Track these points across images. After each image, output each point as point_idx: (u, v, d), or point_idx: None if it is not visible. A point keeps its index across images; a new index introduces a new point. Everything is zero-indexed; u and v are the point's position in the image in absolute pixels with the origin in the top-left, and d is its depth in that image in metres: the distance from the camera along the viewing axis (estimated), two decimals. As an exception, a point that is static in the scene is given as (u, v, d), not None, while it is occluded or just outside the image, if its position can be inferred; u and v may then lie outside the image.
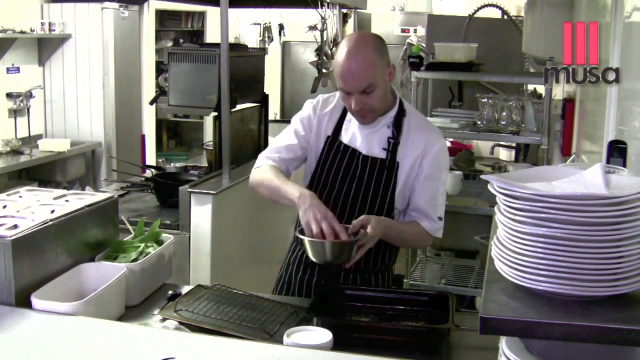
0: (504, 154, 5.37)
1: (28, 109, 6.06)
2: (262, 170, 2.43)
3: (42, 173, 5.89)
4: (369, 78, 2.22)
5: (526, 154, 4.88)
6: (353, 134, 2.42)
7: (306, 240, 2.14)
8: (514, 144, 5.04)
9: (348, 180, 2.39)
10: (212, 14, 8.93)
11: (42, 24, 6.01)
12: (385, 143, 2.38)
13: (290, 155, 2.47)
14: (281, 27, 7.23)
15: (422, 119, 2.51)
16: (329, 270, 2.44)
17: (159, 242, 2.48)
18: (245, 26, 8.96)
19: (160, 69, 7.02)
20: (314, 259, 2.19)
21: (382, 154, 2.37)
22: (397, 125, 2.38)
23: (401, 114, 2.40)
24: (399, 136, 2.37)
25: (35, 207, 2.27)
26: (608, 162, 1.97)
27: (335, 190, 2.41)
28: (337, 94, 2.44)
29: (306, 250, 2.18)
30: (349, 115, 2.42)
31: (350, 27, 7.01)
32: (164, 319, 2.15)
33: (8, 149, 5.60)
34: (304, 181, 2.50)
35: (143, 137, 7.08)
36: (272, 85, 4.49)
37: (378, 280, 2.50)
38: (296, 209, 2.23)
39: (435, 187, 2.40)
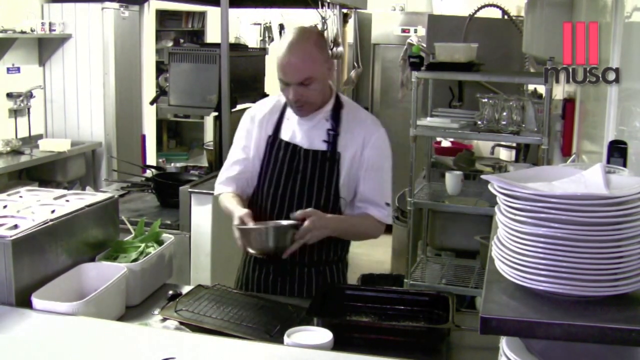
0: (504, 154, 5.37)
1: (28, 109, 6.06)
2: (220, 199, 2.54)
3: (43, 173, 5.89)
4: (307, 71, 2.30)
5: (526, 154, 4.88)
6: (293, 130, 2.48)
7: (248, 230, 2.22)
8: (514, 144, 5.03)
9: (292, 176, 2.45)
10: (213, 14, 8.93)
11: (43, 24, 6.01)
12: (325, 136, 2.43)
13: (236, 169, 2.54)
14: (281, 27, 7.23)
15: (360, 110, 2.57)
16: (283, 268, 2.47)
17: (160, 242, 2.49)
18: (245, 26, 8.96)
19: (160, 69, 7.03)
20: (254, 251, 2.26)
21: (323, 147, 2.43)
22: (336, 117, 2.44)
23: (338, 106, 2.47)
24: (338, 127, 2.43)
25: (35, 207, 2.27)
26: (608, 162, 1.97)
27: (281, 187, 2.46)
28: (274, 97, 2.57)
29: (244, 244, 2.25)
30: (287, 113, 2.49)
31: (350, 27, 7.02)
32: (164, 319, 2.15)
33: (8, 149, 5.60)
34: (250, 187, 2.56)
35: (143, 137, 7.08)
36: (272, 85, 4.49)
37: (333, 272, 2.53)
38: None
39: (380, 175, 2.46)
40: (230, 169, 2.56)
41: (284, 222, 2.27)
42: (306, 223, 2.22)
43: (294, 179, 2.44)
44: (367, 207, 2.45)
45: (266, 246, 2.22)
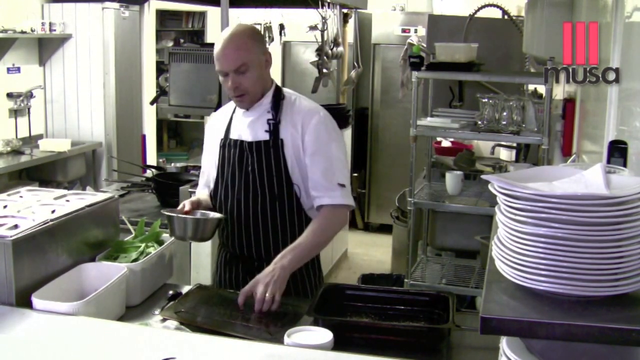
0: (504, 154, 5.36)
1: (29, 109, 6.06)
2: None
3: (43, 173, 5.89)
4: (241, 58, 2.38)
5: (527, 154, 4.88)
6: (240, 128, 2.55)
7: (171, 217, 2.38)
8: (514, 144, 5.03)
9: (244, 171, 2.50)
10: (213, 14, 8.93)
11: (43, 24, 6.01)
12: (266, 126, 2.49)
13: (205, 177, 2.69)
14: (282, 27, 7.22)
15: (301, 98, 2.60)
16: (253, 267, 2.51)
17: (160, 242, 2.49)
18: (245, 26, 8.95)
19: (160, 69, 7.02)
20: (174, 234, 2.42)
21: (266, 136, 2.48)
22: (276, 107, 2.50)
23: (278, 97, 2.52)
24: (278, 116, 2.49)
25: (35, 207, 2.27)
26: (608, 162, 1.97)
27: (236, 184, 2.52)
28: (226, 105, 2.69)
29: (171, 230, 2.41)
30: (235, 115, 2.58)
31: (350, 27, 7.02)
32: (164, 319, 2.15)
33: (9, 149, 5.60)
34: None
35: (143, 137, 7.08)
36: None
37: (308, 265, 2.53)
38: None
39: (327, 158, 2.47)
40: (201, 176, 2.73)
41: (210, 215, 2.47)
42: (256, 305, 2.19)
43: (246, 172, 2.50)
44: (320, 196, 2.45)
45: (184, 235, 2.39)
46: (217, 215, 2.47)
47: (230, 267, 2.62)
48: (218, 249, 2.73)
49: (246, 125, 2.53)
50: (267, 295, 2.18)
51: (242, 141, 2.52)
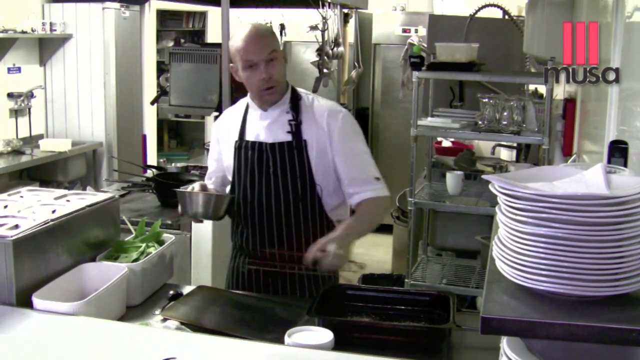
0: (505, 154, 5.36)
1: (29, 109, 6.06)
2: None
3: (43, 173, 5.89)
4: (272, 44, 2.41)
5: (527, 154, 4.88)
6: (257, 129, 2.51)
7: (182, 193, 2.41)
8: (515, 144, 5.03)
9: (265, 173, 2.47)
10: (213, 14, 8.93)
11: (43, 24, 6.01)
12: (287, 127, 2.47)
13: (212, 179, 2.71)
14: (282, 27, 7.22)
15: (319, 98, 2.60)
16: (273, 267, 2.51)
17: (160, 242, 2.49)
18: (246, 26, 8.96)
19: (161, 69, 7.02)
20: (185, 212, 2.44)
21: (287, 138, 2.46)
22: (295, 108, 2.49)
23: (296, 97, 2.52)
24: (299, 116, 2.47)
25: (36, 207, 2.27)
26: (609, 162, 1.97)
27: (256, 186, 2.49)
28: (236, 104, 2.64)
29: (182, 207, 2.45)
30: (249, 115, 2.54)
31: (351, 27, 7.02)
32: (165, 319, 2.15)
33: (9, 149, 5.60)
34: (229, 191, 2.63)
35: (144, 137, 7.08)
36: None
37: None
38: None
39: (358, 153, 2.51)
40: (207, 179, 2.72)
41: (219, 193, 2.50)
42: (327, 258, 2.23)
43: (267, 174, 2.47)
44: (361, 191, 2.47)
45: (196, 211, 2.40)
46: (227, 193, 2.47)
47: (249, 271, 2.57)
48: (232, 252, 2.70)
49: (264, 126, 2.49)
50: (341, 251, 2.23)
51: (260, 142, 2.48)
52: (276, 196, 2.46)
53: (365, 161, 2.51)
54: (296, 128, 2.45)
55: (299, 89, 2.58)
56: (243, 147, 2.52)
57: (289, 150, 2.45)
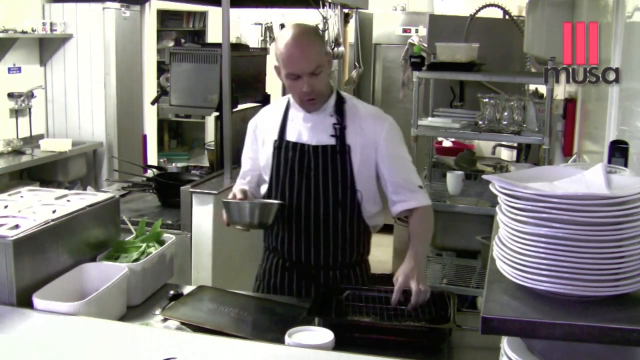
0: (505, 154, 5.36)
1: (29, 109, 6.06)
2: None
3: (44, 173, 5.89)
4: (317, 59, 2.30)
5: (527, 154, 4.88)
6: (299, 130, 2.46)
7: (229, 203, 2.34)
8: (515, 144, 5.03)
9: (305, 175, 2.43)
10: (214, 14, 8.92)
11: (44, 24, 6.01)
12: (331, 130, 2.42)
13: (247, 179, 2.62)
14: (282, 27, 7.22)
15: (363, 103, 2.57)
16: (307, 272, 2.49)
17: (161, 242, 2.49)
18: (246, 26, 8.95)
19: (161, 69, 7.02)
20: (234, 222, 2.35)
21: (331, 141, 2.42)
22: (339, 111, 2.44)
23: (340, 101, 2.46)
24: (344, 120, 2.43)
25: (36, 207, 2.27)
26: (609, 162, 1.97)
27: (295, 187, 2.45)
28: (275, 102, 2.59)
29: (229, 217, 2.35)
30: (291, 115, 2.49)
31: (351, 27, 7.02)
32: (165, 319, 2.15)
33: (9, 149, 5.60)
34: (264, 192, 2.57)
35: (144, 137, 7.08)
36: (273, 85, 4.50)
37: (357, 273, 2.54)
38: None
39: (403, 162, 2.47)
40: (242, 178, 2.64)
41: (268, 201, 2.41)
42: (413, 286, 2.21)
43: (307, 177, 2.42)
44: (404, 200, 2.44)
45: (245, 220, 2.31)
46: (276, 201, 2.40)
47: (282, 274, 2.53)
48: (264, 254, 2.65)
49: (307, 128, 2.44)
50: (421, 287, 2.19)
51: (302, 144, 2.43)
52: (315, 199, 2.42)
53: (409, 169, 2.48)
54: (340, 132, 2.41)
55: (342, 92, 2.54)
56: (283, 147, 2.46)
57: (332, 154, 2.40)
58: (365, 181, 2.43)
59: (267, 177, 2.53)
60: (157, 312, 2.23)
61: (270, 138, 2.51)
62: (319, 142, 2.42)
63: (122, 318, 2.18)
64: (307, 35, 2.33)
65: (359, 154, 2.41)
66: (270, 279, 2.56)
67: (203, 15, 9.43)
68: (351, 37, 7.06)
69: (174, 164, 4.76)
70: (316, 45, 2.33)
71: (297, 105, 2.45)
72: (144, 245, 2.42)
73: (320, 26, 5.72)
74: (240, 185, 2.59)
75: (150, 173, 4.34)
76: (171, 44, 9.21)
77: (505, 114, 3.74)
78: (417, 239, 2.41)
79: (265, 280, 2.58)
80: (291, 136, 2.47)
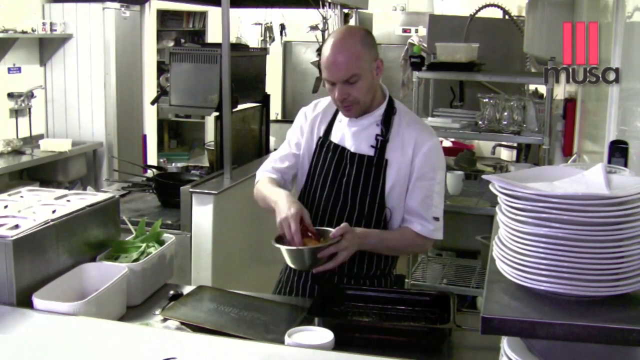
0: (505, 154, 5.37)
1: (29, 109, 6.07)
2: (259, 184, 2.48)
3: (44, 173, 5.89)
4: (352, 69, 2.23)
5: (527, 154, 4.88)
6: (343, 133, 2.42)
7: (283, 249, 2.17)
8: (515, 144, 5.04)
9: (338, 179, 2.39)
10: (214, 14, 8.93)
11: (44, 24, 6.01)
12: (373, 141, 2.36)
13: (285, 163, 2.49)
14: (282, 27, 7.24)
15: (414, 117, 2.49)
16: (326, 276, 2.40)
17: (161, 242, 2.49)
18: (246, 26, 8.96)
19: (161, 69, 7.03)
20: (292, 266, 2.23)
21: (370, 152, 2.36)
22: (386, 123, 2.37)
23: (390, 112, 2.39)
24: (388, 134, 2.36)
25: (36, 207, 2.27)
26: (609, 162, 1.98)
27: (326, 189, 2.41)
28: (328, 98, 2.46)
29: (285, 258, 2.21)
30: (340, 115, 2.43)
31: (351, 27, 7.02)
32: (165, 319, 2.15)
33: (9, 149, 5.61)
34: (297, 185, 2.51)
35: (144, 137, 7.09)
36: (273, 85, 4.50)
37: (380, 284, 2.48)
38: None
39: (430, 187, 2.35)
40: (279, 160, 2.50)
41: (323, 245, 2.17)
42: (343, 242, 2.16)
43: (340, 182, 2.38)
44: (411, 221, 2.36)
45: (302, 264, 2.20)
46: (331, 240, 2.18)
47: (300, 274, 2.48)
48: None
49: (351, 132, 2.39)
50: (343, 256, 2.16)
51: (343, 148, 2.38)
52: (342, 207, 2.37)
53: (432, 199, 2.35)
54: (381, 145, 2.34)
55: (397, 102, 2.44)
56: (325, 146, 2.42)
57: (367, 165, 2.34)
58: (397, 200, 2.36)
59: (302, 173, 2.47)
60: (157, 312, 2.22)
61: (317, 132, 2.46)
62: (358, 149, 2.37)
63: (122, 318, 2.18)
64: (346, 42, 2.26)
65: (395, 170, 2.34)
66: (290, 281, 2.52)
67: (203, 15, 9.44)
68: (351, 37, 7.06)
69: (173, 164, 4.75)
70: (354, 54, 2.24)
71: None
72: (144, 245, 2.42)
73: (320, 26, 5.72)
74: (267, 175, 2.48)
75: (150, 173, 4.34)
76: (171, 44, 9.22)
77: (505, 114, 3.75)
78: (387, 234, 2.36)
79: (287, 288, 2.53)
80: (335, 137, 2.42)
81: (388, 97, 2.41)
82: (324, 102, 2.52)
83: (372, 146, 2.36)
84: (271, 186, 2.41)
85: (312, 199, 2.43)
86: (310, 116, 2.50)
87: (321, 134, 2.45)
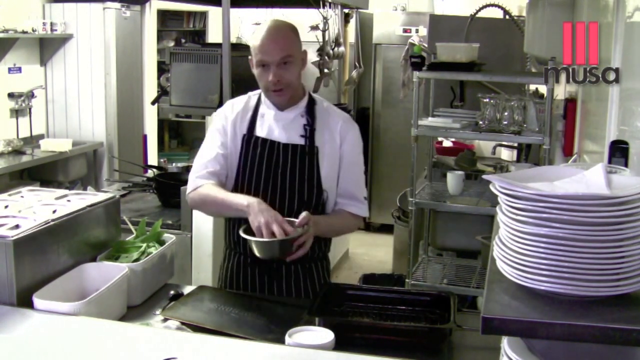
0: (505, 154, 5.36)
1: (30, 109, 6.07)
2: (201, 189, 2.44)
3: (44, 173, 5.89)
4: (288, 49, 2.36)
5: (528, 154, 4.88)
6: (269, 127, 2.49)
7: (254, 240, 2.20)
8: (515, 144, 5.03)
9: (272, 172, 2.45)
10: (214, 14, 8.93)
11: (44, 24, 6.01)
12: (302, 131, 2.47)
13: (217, 167, 2.48)
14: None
15: (332, 106, 2.61)
16: (269, 267, 2.49)
17: (161, 242, 2.49)
18: (246, 26, 8.95)
19: (162, 69, 7.01)
20: (260, 256, 2.24)
21: (301, 141, 2.46)
22: (310, 113, 2.49)
23: (312, 103, 2.52)
24: (314, 123, 2.48)
25: (37, 207, 2.27)
26: (610, 162, 1.97)
27: (262, 182, 2.45)
28: (244, 97, 2.57)
29: (252, 249, 2.24)
30: (262, 110, 2.51)
31: (351, 27, 7.02)
32: (165, 319, 2.15)
33: (10, 149, 5.61)
34: (227, 185, 2.50)
35: (145, 137, 7.08)
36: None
37: (319, 268, 2.56)
38: (247, 216, 2.26)
39: (359, 170, 2.56)
40: (209, 164, 2.47)
41: (291, 237, 2.20)
42: (310, 230, 2.25)
43: (275, 174, 2.45)
44: (347, 204, 2.51)
45: (272, 254, 2.24)
46: (302, 230, 2.23)
47: (245, 270, 2.53)
48: (225, 252, 2.64)
49: (279, 126, 2.48)
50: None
51: (272, 141, 2.46)
52: (281, 198, 2.44)
53: (362, 180, 2.57)
54: (310, 133, 2.46)
55: (314, 95, 2.59)
56: (252, 143, 2.48)
57: (301, 154, 2.44)
58: (330, 182, 2.49)
59: (231, 172, 2.50)
60: (157, 312, 2.23)
61: (239, 130, 2.50)
62: (289, 140, 2.47)
63: (122, 318, 2.18)
64: (280, 28, 2.41)
65: (325, 155, 2.46)
66: (233, 277, 2.56)
67: (203, 15, 9.43)
68: (351, 37, 7.07)
69: (174, 164, 4.76)
70: (288, 37, 2.40)
71: (268, 102, 2.49)
72: (144, 245, 2.42)
73: (321, 26, 5.72)
74: (203, 181, 2.45)
75: (150, 173, 4.34)
76: (171, 44, 9.21)
77: (506, 114, 3.74)
78: (332, 219, 2.50)
79: (228, 278, 2.58)
80: (261, 132, 2.49)
81: (308, 91, 2.55)
82: (239, 102, 2.58)
83: (301, 135, 2.47)
84: (225, 191, 2.41)
85: (247, 193, 2.42)
86: (231, 116, 2.54)
87: (244, 131, 2.51)
